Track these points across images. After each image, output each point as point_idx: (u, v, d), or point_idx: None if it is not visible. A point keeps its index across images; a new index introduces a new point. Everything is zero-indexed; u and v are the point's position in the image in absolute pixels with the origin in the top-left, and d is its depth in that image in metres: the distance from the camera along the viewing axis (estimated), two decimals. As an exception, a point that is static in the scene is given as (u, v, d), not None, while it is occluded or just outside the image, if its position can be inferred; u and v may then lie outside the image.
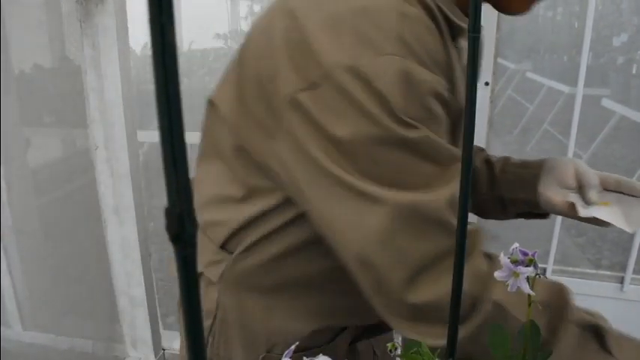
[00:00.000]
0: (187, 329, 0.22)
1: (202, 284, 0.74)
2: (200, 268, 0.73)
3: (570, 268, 1.52)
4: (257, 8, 2.43)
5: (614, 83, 3.33)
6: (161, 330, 1.82)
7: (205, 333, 0.74)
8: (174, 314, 2.43)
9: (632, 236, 1.45)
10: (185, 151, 0.20)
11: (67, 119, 1.74)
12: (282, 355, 0.73)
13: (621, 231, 0.78)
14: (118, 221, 1.60)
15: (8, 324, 1.82)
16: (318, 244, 0.67)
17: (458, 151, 0.58)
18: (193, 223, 0.20)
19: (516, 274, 0.45)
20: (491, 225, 1.01)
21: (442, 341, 0.49)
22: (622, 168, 3.87)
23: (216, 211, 0.71)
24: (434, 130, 0.57)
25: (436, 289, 0.58)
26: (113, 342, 1.81)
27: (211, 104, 0.71)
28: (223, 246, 0.71)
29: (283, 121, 0.58)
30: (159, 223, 3.26)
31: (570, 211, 0.75)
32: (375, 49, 0.54)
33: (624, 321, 1.43)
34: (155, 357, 1.77)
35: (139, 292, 1.68)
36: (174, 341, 1.83)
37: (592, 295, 1.45)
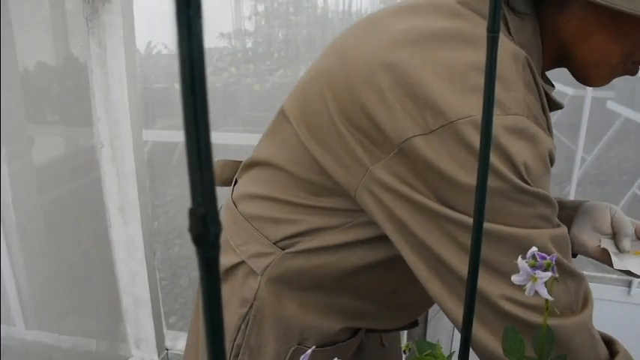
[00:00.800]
0: (209, 333, 0.21)
1: (240, 272, 0.76)
2: (242, 257, 0.75)
3: (577, 271, 1.50)
4: (261, 8, 2.42)
5: (619, 86, 3.32)
6: (164, 330, 1.82)
7: (239, 321, 0.76)
8: (177, 314, 2.43)
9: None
10: (211, 151, 0.19)
11: (71, 117, 1.74)
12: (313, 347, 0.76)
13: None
14: (123, 220, 1.60)
15: (11, 322, 1.81)
16: (372, 269, 0.70)
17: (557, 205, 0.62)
18: (217, 224, 0.20)
19: (534, 278, 0.45)
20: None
21: None
22: (626, 170, 3.86)
23: (271, 208, 0.72)
24: (544, 186, 0.60)
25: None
26: (116, 341, 1.80)
27: (283, 115, 0.72)
28: (277, 242, 0.72)
29: (393, 161, 0.59)
30: (162, 221, 3.26)
31: (602, 257, 0.78)
32: (501, 107, 0.56)
33: (631, 325, 1.43)
34: (158, 357, 1.77)
35: (143, 291, 1.68)
36: (178, 341, 1.82)
37: (599, 298, 1.44)
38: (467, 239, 0.58)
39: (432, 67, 0.58)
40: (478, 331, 0.60)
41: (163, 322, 1.81)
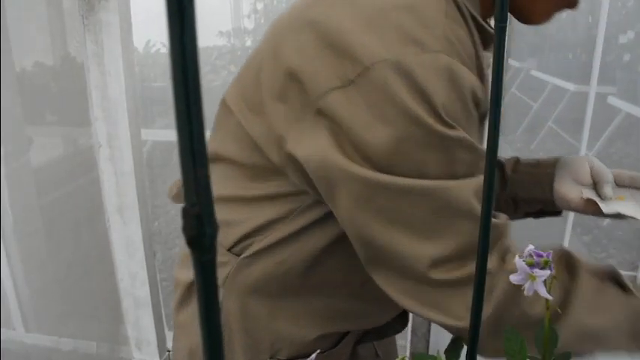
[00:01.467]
0: (205, 340, 0.20)
1: None
2: None
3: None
4: (260, 6, 2.41)
5: (620, 81, 3.31)
6: (166, 331, 1.81)
7: None
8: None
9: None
10: (205, 147, 0.18)
11: (69, 117, 1.73)
12: (286, 360, 0.71)
13: (628, 229, 0.78)
14: (122, 220, 1.58)
15: (11, 325, 1.80)
16: (331, 252, 0.67)
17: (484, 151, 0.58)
18: (213, 224, 0.18)
19: (533, 277, 0.44)
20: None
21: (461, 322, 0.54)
22: (627, 166, 3.85)
23: (222, 209, 0.69)
24: (468, 131, 0.56)
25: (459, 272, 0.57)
26: (117, 344, 1.79)
27: (225, 105, 0.69)
28: (231, 248, 0.69)
29: (309, 125, 0.57)
30: (162, 221, 3.25)
31: (586, 208, 0.76)
32: (421, 45, 0.53)
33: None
34: (160, 358, 1.76)
35: (144, 292, 1.67)
36: (179, 342, 1.81)
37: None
38: (385, 200, 0.55)
39: (351, 12, 0.56)
40: (414, 306, 0.58)
41: (164, 324, 1.80)
